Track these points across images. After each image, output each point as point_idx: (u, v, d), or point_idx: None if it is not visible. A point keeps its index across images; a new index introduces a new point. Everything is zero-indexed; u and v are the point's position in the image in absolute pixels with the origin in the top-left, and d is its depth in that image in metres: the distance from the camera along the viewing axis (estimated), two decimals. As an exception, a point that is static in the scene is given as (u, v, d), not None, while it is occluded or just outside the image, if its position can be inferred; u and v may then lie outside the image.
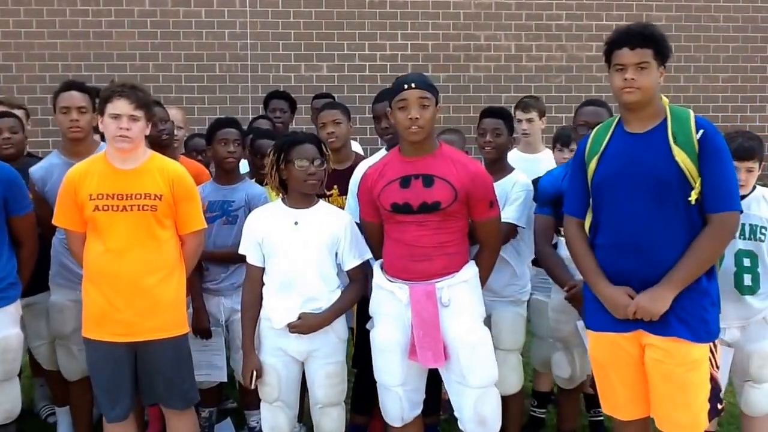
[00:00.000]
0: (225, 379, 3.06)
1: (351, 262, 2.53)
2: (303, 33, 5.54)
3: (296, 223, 2.47)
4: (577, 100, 3.81)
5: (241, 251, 2.55)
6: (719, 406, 2.20)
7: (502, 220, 2.57)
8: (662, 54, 2.15)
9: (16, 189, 2.69)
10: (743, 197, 2.69)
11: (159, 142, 3.14)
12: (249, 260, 2.53)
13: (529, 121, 3.83)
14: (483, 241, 2.49)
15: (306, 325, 2.44)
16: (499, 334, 2.73)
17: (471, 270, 2.43)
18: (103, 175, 2.47)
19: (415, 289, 2.36)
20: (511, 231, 2.73)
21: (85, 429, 3.01)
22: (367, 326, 2.70)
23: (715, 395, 2.17)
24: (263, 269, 2.51)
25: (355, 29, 5.60)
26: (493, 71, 5.75)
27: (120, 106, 2.41)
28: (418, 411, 2.48)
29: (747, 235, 2.63)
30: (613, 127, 2.27)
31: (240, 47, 5.48)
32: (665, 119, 2.17)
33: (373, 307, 2.48)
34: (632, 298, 2.13)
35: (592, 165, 2.25)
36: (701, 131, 2.10)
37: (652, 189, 2.11)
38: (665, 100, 2.22)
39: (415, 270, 2.36)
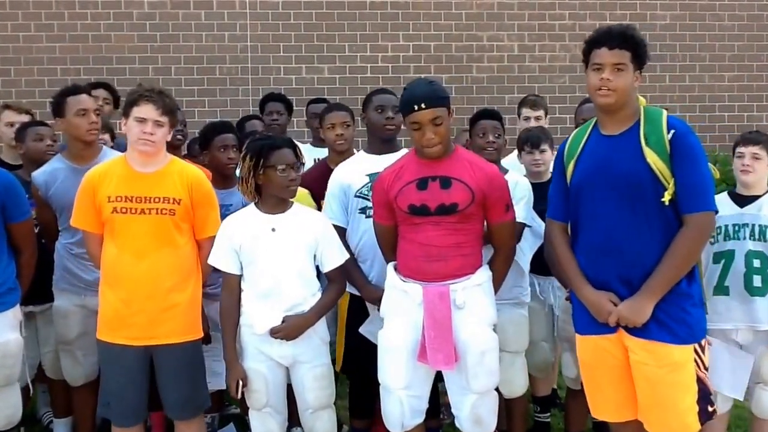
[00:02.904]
0: (224, 387, 3.02)
1: (330, 264, 2.51)
2: (303, 35, 5.50)
3: (273, 230, 2.44)
4: (580, 100, 3.77)
5: (211, 262, 2.50)
6: (710, 409, 2.16)
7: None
8: (640, 58, 2.16)
9: (14, 195, 2.68)
10: (757, 198, 2.69)
11: (172, 144, 3.16)
12: (224, 268, 2.48)
13: (538, 119, 3.68)
14: (498, 244, 2.49)
15: (290, 327, 2.41)
16: (505, 337, 2.71)
17: (485, 274, 2.42)
18: (123, 178, 2.48)
19: (428, 289, 2.34)
20: (520, 231, 2.72)
21: (87, 435, 2.99)
22: (361, 330, 2.67)
23: (704, 397, 2.14)
24: (241, 276, 2.48)
25: (356, 30, 5.56)
26: (496, 72, 5.71)
27: (146, 110, 2.42)
28: (420, 420, 2.44)
29: (757, 236, 2.66)
30: (589, 130, 2.29)
31: (240, 49, 5.45)
32: (639, 120, 2.17)
33: (385, 308, 2.46)
34: (615, 304, 2.14)
35: (570, 168, 2.27)
36: (672, 131, 2.10)
37: (624, 190, 2.13)
38: (642, 101, 2.22)
39: (430, 270, 2.34)
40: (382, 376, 2.43)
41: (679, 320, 2.11)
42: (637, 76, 2.17)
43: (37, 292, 2.86)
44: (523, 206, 2.71)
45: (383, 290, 2.60)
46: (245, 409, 3.16)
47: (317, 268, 2.55)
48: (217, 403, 3.16)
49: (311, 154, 3.83)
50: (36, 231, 2.88)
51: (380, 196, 2.46)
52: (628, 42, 2.14)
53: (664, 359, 2.11)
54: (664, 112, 2.17)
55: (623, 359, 2.19)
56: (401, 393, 2.38)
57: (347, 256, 2.57)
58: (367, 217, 2.70)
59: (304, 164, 2.59)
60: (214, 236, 2.54)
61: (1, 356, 2.59)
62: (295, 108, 4.33)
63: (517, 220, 2.64)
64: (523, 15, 5.73)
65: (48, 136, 3.10)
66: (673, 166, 2.10)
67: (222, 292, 2.53)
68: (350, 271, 2.64)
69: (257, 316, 2.43)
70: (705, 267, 2.60)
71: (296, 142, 2.56)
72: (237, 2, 5.43)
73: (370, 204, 2.69)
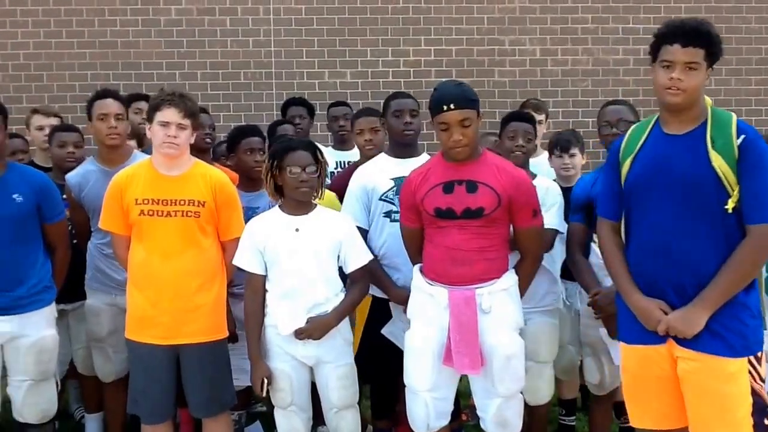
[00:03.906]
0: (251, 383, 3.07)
1: (354, 264, 2.53)
2: (326, 40, 5.56)
3: (297, 230, 2.48)
4: (603, 103, 3.75)
5: (235, 262, 2.54)
6: (767, 422, 2.06)
7: (545, 226, 2.54)
8: (714, 56, 2.04)
9: (50, 197, 2.78)
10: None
11: (200, 147, 3.22)
12: (249, 269, 2.52)
13: (539, 122, 3.69)
14: (525, 249, 2.47)
15: (315, 328, 2.44)
16: (536, 346, 2.70)
17: (511, 278, 2.41)
18: (149, 180, 2.54)
19: (454, 293, 2.34)
20: (553, 237, 2.70)
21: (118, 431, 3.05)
22: (383, 331, 2.69)
23: (760, 410, 2.04)
24: (265, 277, 2.51)
25: (378, 35, 5.59)
26: (518, 76, 5.69)
27: (169, 114, 2.47)
28: (445, 422, 2.45)
29: None
30: (650, 127, 2.17)
31: (264, 55, 5.51)
32: (705, 121, 2.06)
33: (411, 310, 2.47)
34: (665, 312, 2.04)
35: (626, 165, 2.16)
36: (742, 136, 2.00)
37: (685, 193, 2.02)
38: (708, 101, 2.11)
39: (455, 274, 2.34)
40: (407, 378, 2.43)
41: (734, 331, 2.00)
42: (708, 73, 2.03)
43: (68, 290, 2.94)
44: (555, 213, 2.68)
45: (410, 292, 2.63)
46: (272, 407, 3.22)
47: (341, 269, 2.58)
48: (244, 401, 3.20)
49: (334, 158, 3.88)
50: (69, 231, 2.97)
51: (408, 198, 2.47)
52: (702, 39, 1.99)
53: (716, 371, 2.00)
54: (734, 116, 2.05)
55: (670, 371, 2.08)
56: (426, 395, 2.39)
57: (371, 256, 2.58)
58: (392, 221, 2.71)
59: (325, 167, 2.60)
60: (238, 238, 2.58)
61: (38, 351, 2.67)
62: (318, 112, 4.37)
63: (550, 226, 2.63)
64: (545, 19, 5.71)
65: (70, 143, 3.15)
66: (740, 172, 1.98)
67: (245, 291, 2.57)
68: (375, 272, 2.65)
69: (281, 317, 2.47)
70: None
71: (318, 145, 2.58)
72: (261, 9, 5.50)
73: (395, 208, 2.70)
